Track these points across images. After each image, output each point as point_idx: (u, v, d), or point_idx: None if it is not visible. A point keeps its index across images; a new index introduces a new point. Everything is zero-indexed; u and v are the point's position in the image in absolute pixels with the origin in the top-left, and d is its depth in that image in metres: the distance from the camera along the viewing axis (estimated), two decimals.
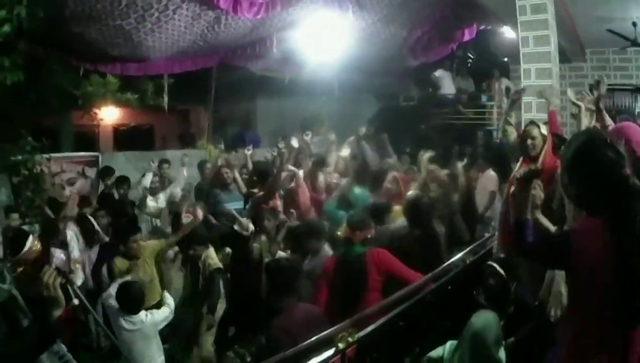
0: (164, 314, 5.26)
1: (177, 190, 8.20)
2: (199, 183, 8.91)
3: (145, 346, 5.00)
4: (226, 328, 6.02)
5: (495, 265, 4.50)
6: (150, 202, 8.06)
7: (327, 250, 5.67)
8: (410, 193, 6.14)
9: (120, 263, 5.78)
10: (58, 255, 6.24)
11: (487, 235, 6.50)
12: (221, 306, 5.89)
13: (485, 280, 4.54)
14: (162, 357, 5.18)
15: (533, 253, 2.83)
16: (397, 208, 6.37)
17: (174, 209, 7.19)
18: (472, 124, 14.55)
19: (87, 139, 14.12)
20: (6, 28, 6.52)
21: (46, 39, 7.75)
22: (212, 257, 5.95)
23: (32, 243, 4.44)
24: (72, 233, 6.71)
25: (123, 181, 8.53)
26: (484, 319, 3.61)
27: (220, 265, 5.94)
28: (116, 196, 8.53)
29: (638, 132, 3.91)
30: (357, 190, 6.91)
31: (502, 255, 4.66)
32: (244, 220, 5.70)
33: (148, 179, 8.27)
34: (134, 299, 4.91)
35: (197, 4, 7.48)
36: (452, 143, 14.02)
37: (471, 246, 5.71)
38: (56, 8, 6.87)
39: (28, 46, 7.48)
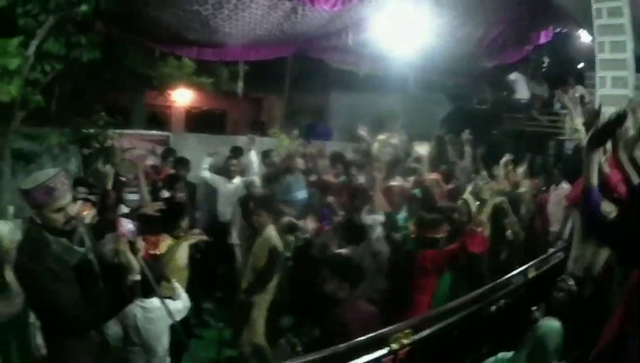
0: (177, 306, 4.65)
1: (254, 178, 8.29)
2: (267, 173, 8.81)
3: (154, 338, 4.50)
4: (280, 316, 6.05)
5: (568, 279, 4.35)
6: (227, 184, 8.27)
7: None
8: (496, 199, 5.88)
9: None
10: (125, 224, 6.32)
11: (550, 250, 6.28)
12: (272, 287, 5.87)
13: (553, 294, 4.39)
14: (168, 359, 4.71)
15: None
16: None
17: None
18: (544, 133, 14.18)
19: (159, 120, 14.51)
20: (84, 7, 6.69)
21: (122, 20, 7.91)
22: (272, 236, 5.89)
23: None
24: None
25: (182, 162, 8.50)
26: (549, 326, 3.59)
27: (279, 245, 5.89)
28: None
29: None
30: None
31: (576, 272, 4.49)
32: (304, 224, 5.75)
33: (207, 163, 8.41)
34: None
35: None
36: (524, 151, 13.77)
37: (534, 261, 5.55)
38: None
39: (104, 26, 7.65)
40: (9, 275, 3.16)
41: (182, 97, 13.39)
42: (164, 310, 4.09)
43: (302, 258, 6.39)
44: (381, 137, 8.64)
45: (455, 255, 4.92)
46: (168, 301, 4.34)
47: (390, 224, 6.28)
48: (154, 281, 3.68)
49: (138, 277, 3.44)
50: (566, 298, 4.28)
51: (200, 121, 15.52)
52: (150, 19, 7.84)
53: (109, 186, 6.46)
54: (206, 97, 13.39)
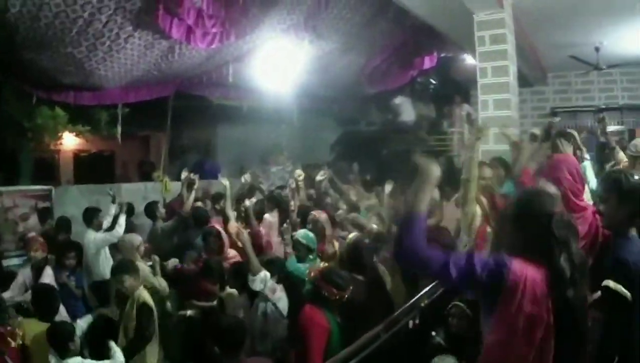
0: None
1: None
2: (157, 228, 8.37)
3: None
4: None
5: (461, 304, 4.41)
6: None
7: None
8: (350, 236, 5.69)
9: None
10: None
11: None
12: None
13: (448, 321, 4.49)
14: None
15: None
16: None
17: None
18: (433, 151, 14.63)
19: (47, 166, 13.96)
20: None
21: (2, 64, 7.61)
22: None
23: None
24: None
25: (62, 225, 7.99)
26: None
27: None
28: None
29: (568, 164, 4.16)
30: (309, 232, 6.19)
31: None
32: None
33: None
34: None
35: (150, 33, 7.37)
36: (414, 170, 14.05)
37: (426, 289, 5.38)
38: (7, 33, 6.68)
39: None
40: None
41: (69, 142, 12.99)
42: None
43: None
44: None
45: None
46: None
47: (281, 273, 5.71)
48: None
49: None
50: (461, 323, 4.38)
51: (88, 165, 15.13)
52: (27, 62, 7.52)
53: None
54: (94, 139, 12.99)
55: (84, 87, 8.70)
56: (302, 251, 5.77)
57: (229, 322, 4.37)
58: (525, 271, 2.40)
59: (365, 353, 4.10)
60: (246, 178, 7.89)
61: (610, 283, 2.95)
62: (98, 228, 7.56)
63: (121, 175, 15.56)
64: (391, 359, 4.50)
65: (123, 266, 5.60)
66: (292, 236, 5.94)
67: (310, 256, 5.77)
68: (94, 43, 7.22)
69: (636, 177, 3.38)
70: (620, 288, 2.94)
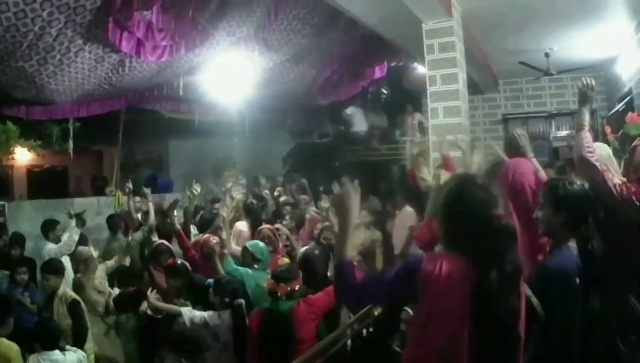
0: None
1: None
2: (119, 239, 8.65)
3: None
4: None
5: (409, 310, 4.30)
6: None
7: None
8: (301, 249, 5.73)
9: None
10: None
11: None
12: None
13: (401, 329, 4.49)
14: None
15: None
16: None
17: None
18: (385, 160, 14.86)
19: (0, 182, 13.87)
20: None
21: None
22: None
23: None
24: None
25: (16, 241, 8.01)
26: None
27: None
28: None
29: (523, 168, 4.07)
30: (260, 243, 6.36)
31: None
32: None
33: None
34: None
35: (101, 46, 7.41)
36: (366, 180, 14.27)
37: None
38: None
39: None
40: None
41: (23, 157, 12.90)
42: None
43: None
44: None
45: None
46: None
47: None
48: None
49: None
50: None
51: (42, 180, 14.99)
52: None
53: None
54: (47, 154, 12.92)
55: (35, 102, 8.72)
56: (247, 258, 5.96)
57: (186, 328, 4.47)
58: (437, 268, 2.38)
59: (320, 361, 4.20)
60: (194, 189, 7.84)
61: (528, 291, 2.77)
62: (56, 240, 7.77)
63: (75, 190, 15.44)
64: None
65: (48, 266, 6.11)
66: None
67: (256, 266, 5.88)
68: (44, 57, 7.24)
69: (578, 184, 3.31)
70: (534, 300, 2.83)
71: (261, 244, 6.23)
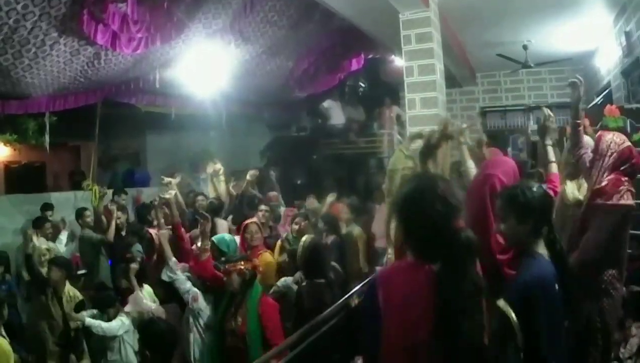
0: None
1: None
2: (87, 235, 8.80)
3: None
4: None
5: None
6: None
7: None
8: (305, 238, 5.83)
9: None
10: None
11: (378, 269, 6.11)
12: None
13: None
14: None
15: None
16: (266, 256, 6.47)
17: None
18: (364, 153, 14.93)
19: None
20: None
21: None
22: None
23: None
24: None
25: None
26: None
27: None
28: None
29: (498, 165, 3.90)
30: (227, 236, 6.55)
31: None
32: None
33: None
34: None
35: (76, 39, 7.40)
36: (344, 173, 14.35)
37: (356, 288, 5.48)
38: None
39: None
40: None
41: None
42: None
43: None
44: None
45: None
46: None
47: None
48: None
49: None
50: None
51: (19, 176, 14.90)
52: None
53: None
54: (24, 150, 12.86)
55: (11, 96, 8.65)
56: (215, 251, 6.02)
57: (160, 327, 4.51)
58: (391, 281, 2.45)
59: (296, 351, 4.23)
60: (172, 180, 7.89)
61: (501, 302, 2.74)
62: (46, 237, 8.25)
63: (53, 185, 15.37)
64: (324, 359, 4.64)
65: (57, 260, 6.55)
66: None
67: (222, 259, 5.92)
68: (19, 50, 7.21)
69: (535, 187, 3.12)
70: (509, 311, 2.72)
71: (227, 237, 6.40)
